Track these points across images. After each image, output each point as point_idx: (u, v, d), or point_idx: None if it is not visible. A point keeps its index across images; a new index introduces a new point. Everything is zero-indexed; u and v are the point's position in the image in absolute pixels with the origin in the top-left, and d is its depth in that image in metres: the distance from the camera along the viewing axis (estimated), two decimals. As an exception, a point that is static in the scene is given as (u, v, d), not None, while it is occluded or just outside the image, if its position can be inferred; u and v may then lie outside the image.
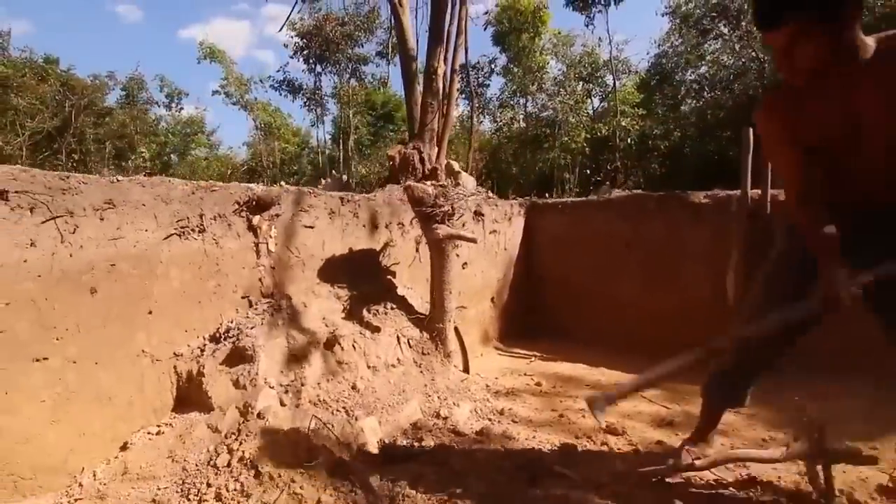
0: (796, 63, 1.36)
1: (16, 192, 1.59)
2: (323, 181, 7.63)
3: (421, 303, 3.08)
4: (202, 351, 2.07)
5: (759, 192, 3.66)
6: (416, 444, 2.16)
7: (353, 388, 2.37)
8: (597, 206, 4.49)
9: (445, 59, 6.52)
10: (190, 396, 1.98)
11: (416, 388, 2.57)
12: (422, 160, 6.20)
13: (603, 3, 15.19)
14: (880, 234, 1.45)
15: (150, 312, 1.95)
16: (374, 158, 20.68)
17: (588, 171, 15.74)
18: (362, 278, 2.85)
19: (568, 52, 16.52)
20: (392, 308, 2.80)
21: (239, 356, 2.04)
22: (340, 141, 18.60)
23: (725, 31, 16.39)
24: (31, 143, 13.81)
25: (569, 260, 4.47)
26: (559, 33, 16.49)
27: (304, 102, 18.67)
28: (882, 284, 1.41)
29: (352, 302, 2.68)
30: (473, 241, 2.91)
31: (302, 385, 2.17)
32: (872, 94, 1.33)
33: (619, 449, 2.24)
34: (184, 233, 2.06)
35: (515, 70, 16.58)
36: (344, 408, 2.23)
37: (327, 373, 2.37)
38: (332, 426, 2.06)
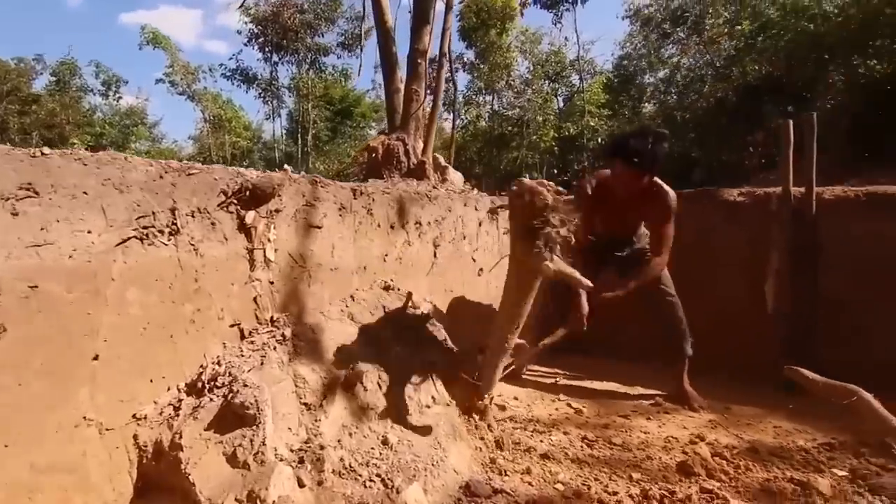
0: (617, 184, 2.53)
1: None
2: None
3: (444, 320, 2.51)
4: (176, 410, 1.40)
5: (804, 189, 3.34)
6: (477, 518, 1.60)
7: (384, 442, 1.77)
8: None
9: (433, 41, 5.97)
10: (160, 482, 1.31)
11: (456, 435, 2.00)
12: (407, 152, 5.61)
13: (570, 1, 15.06)
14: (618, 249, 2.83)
15: (97, 357, 1.27)
16: (332, 155, 19.68)
17: (555, 171, 15.59)
18: (379, 292, 2.24)
19: (535, 51, 16.31)
20: (418, 330, 2.21)
21: (234, 416, 1.39)
22: (298, 136, 17.52)
23: (683, 35, 16.75)
24: (-60, 133, 12.01)
25: (582, 264, 4.02)
26: (526, 31, 16.25)
27: (259, 93, 17.41)
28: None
29: (370, 325, 2.06)
30: (586, 287, 1.90)
31: (321, 448, 1.55)
32: (641, 207, 2.60)
33: None
34: (147, 235, 1.39)
35: (482, 67, 16.19)
36: (378, 475, 1.62)
37: (349, 424, 1.75)
38: (369, 506, 1.46)
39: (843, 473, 1.99)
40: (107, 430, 1.29)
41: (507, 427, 2.32)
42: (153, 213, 1.41)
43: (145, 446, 1.34)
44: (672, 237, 2.63)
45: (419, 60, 5.87)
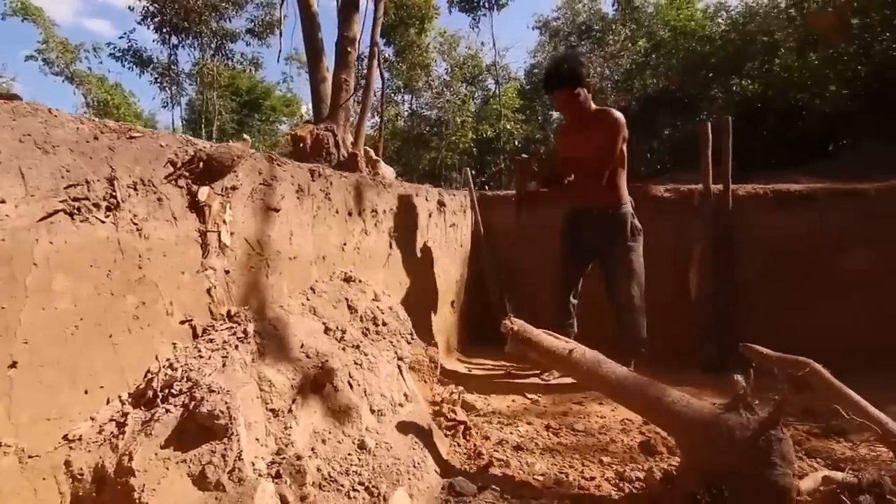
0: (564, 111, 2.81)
1: None
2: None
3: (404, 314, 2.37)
4: (121, 426, 1.13)
5: (721, 187, 3.66)
6: (468, 519, 1.49)
7: (362, 447, 1.60)
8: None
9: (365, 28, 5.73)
10: (105, 517, 1.05)
11: (432, 433, 1.87)
12: (337, 144, 5.33)
13: (487, 6, 15.47)
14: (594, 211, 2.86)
15: (14, 365, 0.98)
16: (240, 150, 18.28)
17: (473, 172, 15.88)
18: (340, 283, 2.04)
19: (454, 53, 16.52)
20: (383, 325, 2.05)
21: (199, 429, 1.15)
22: (201, 127, 16.06)
23: (587, 49, 17.95)
24: None
25: (523, 257, 4.08)
26: (445, 33, 16.41)
27: (155, 79, 15.65)
28: (596, 249, 2.91)
29: (335, 319, 1.87)
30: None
31: (298, 459, 1.35)
32: (593, 132, 2.67)
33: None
34: (79, 209, 1.11)
35: (401, 66, 16.06)
36: (361, 483, 1.45)
37: (322, 430, 1.56)
38: (357, 519, 1.29)
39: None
40: (30, 457, 0.99)
41: (476, 421, 2.24)
42: (86, 181, 1.12)
43: (81, 474, 1.06)
44: (615, 156, 2.67)
45: (349, 49, 5.60)
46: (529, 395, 2.83)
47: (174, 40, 14.59)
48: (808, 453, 2.07)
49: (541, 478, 1.85)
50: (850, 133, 8.84)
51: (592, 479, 1.88)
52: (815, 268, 3.35)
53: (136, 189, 1.24)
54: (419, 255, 2.97)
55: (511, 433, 2.20)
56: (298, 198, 1.87)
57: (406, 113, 17.51)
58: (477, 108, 17.60)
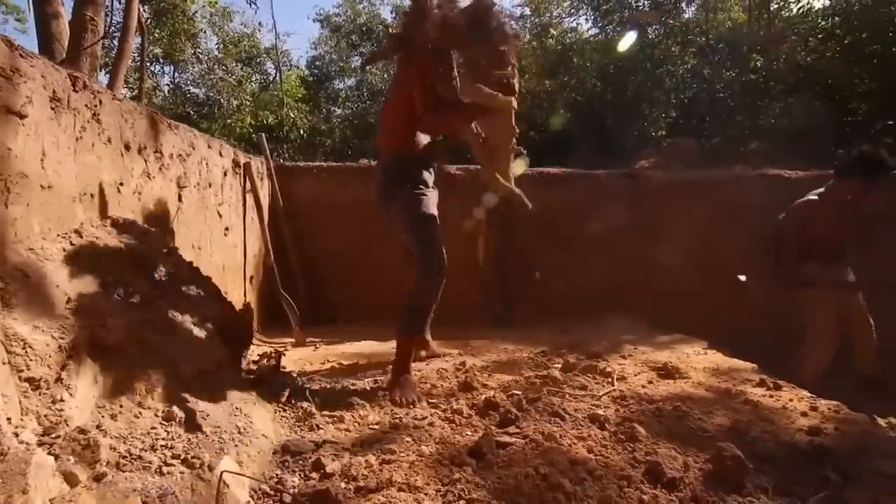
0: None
1: None
2: None
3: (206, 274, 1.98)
4: None
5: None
6: (310, 474, 1.33)
7: (169, 418, 1.26)
8: (356, 172, 4.12)
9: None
10: None
11: (254, 399, 1.60)
12: (78, 97, 4.20)
13: (266, -17, 14.39)
14: None
15: None
16: None
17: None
18: (116, 229, 1.58)
19: (227, 27, 14.81)
20: (185, 283, 1.67)
21: None
22: None
23: (367, 51, 18.42)
24: None
25: (330, 231, 3.93)
26: (216, 3, 14.56)
27: None
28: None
29: (116, 272, 1.43)
30: None
31: (82, 433, 0.98)
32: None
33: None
34: None
35: (159, 32, 13.63)
36: (176, 456, 1.15)
37: (109, 404, 1.17)
38: (177, 498, 1.02)
39: (559, 365, 2.61)
40: None
41: (300, 382, 2.03)
42: None
43: None
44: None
45: (96, -20, 4.43)
46: (344, 362, 2.73)
47: None
48: (582, 371, 2.53)
49: (376, 426, 1.80)
50: (573, 149, 11.32)
51: (424, 418, 1.91)
52: (567, 233, 4.13)
53: None
54: (214, 217, 2.56)
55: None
56: (54, 109, 1.37)
57: (167, 87, 14.99)
58: (256, 93, 16.23)
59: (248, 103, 14.50)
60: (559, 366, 2.57)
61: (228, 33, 15.05)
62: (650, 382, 2.34)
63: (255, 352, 2.08)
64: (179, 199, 2.12)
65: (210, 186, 2.49)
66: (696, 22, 11.16)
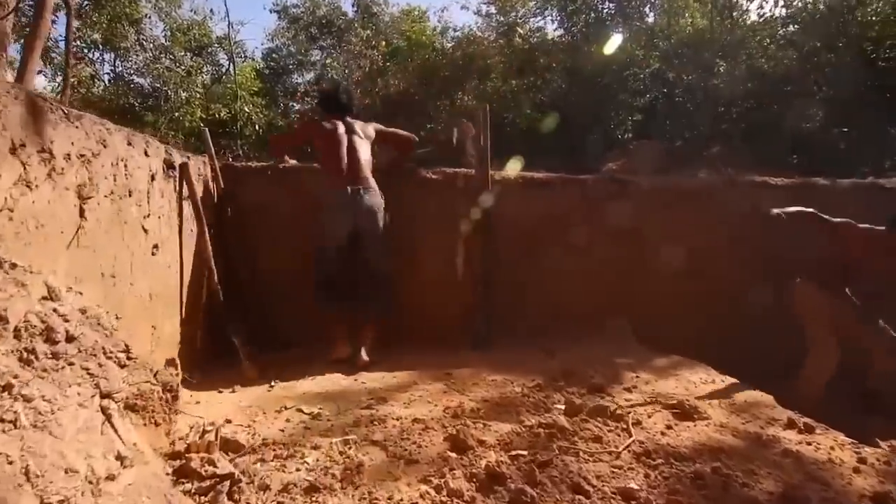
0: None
1: None
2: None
3: (110, 321, 1.47)
4: None
5: (481, 170, 3.80)
6: None
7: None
8: (315, 173, 3.61)
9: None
10: None
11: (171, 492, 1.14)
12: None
13: (216, -31, 13.44)
14: None
15: None
16: None
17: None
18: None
19: (175, 14, 13.74)
20: (68, 341, 1.17)
21: None
22: None
23: (327, 44, 17.66)
24: None
25: (283, 242, 3.42)
26: (160, -14, 13.48)
27: None
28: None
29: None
30: None
31: None
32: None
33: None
34: None
35: (97, 16, 12.47)
36: None
37: None
38: None
39: (562, 408, 2.24)
40: None
41: (245, 464, 1.55)
42: None
43: None
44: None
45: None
46: (305, 409, 2.26)
47: None
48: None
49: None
50: (540, 148, 11.11)
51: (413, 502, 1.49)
52: (548, 242, 3.78)
53: None
54: (137, 233, 2.03)
55: (297, 469, 1.60)
56: None
57: (107, 77, 13.79)
58: (207, 85, 15.20)
59: (198, 96, 13.54)
60: (562, 407, 2.20)
61: (176, 20, 14.01)
62: (669, 428, 2.02)
63: (182, 425, 1.58)
64: (81, 214, 1.60)
65: (131, 195, 1.97)
66: (659, 26, 11.19)
